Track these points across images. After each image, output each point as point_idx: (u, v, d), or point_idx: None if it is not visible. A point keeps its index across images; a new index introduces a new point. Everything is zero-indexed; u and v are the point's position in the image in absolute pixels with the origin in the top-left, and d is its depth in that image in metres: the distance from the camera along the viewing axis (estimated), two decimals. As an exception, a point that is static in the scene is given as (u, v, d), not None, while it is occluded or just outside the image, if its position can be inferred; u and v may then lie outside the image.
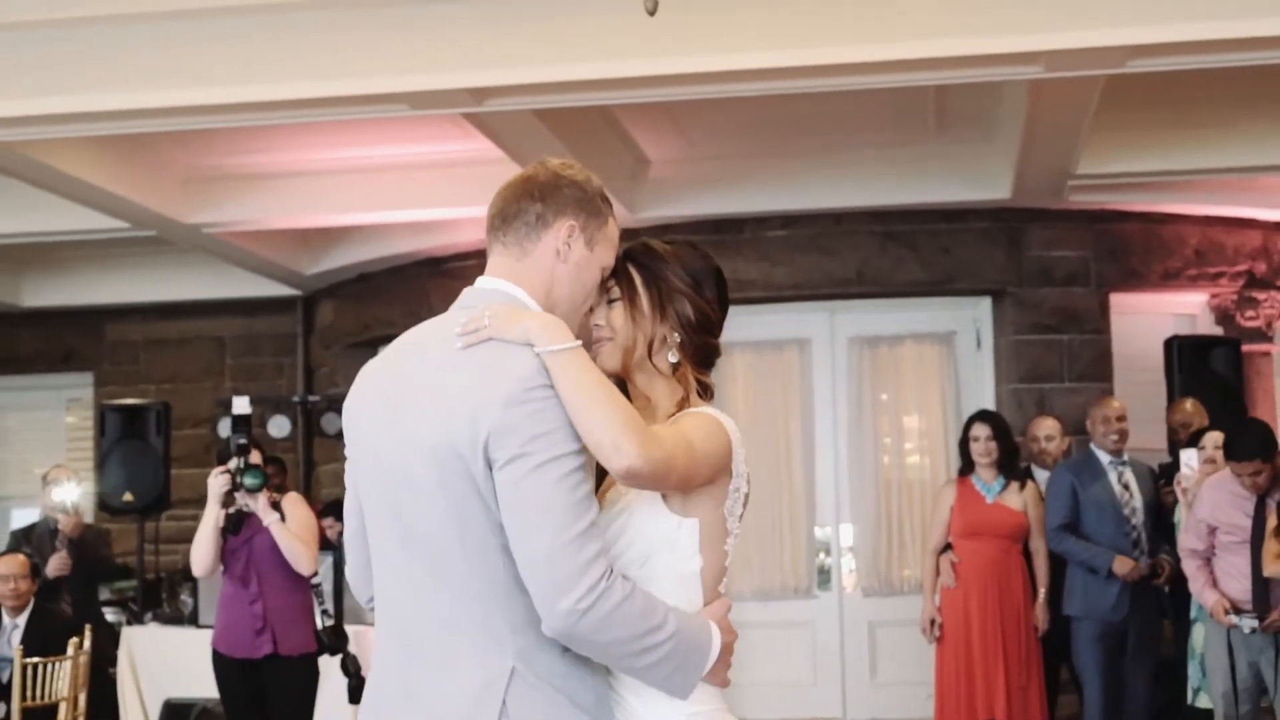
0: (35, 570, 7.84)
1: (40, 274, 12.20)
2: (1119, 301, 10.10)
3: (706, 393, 2.91)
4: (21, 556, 7.85)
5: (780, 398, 10.46)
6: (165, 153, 9.03)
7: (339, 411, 10.72)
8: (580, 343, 2.67)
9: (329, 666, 7.42)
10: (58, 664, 7.12)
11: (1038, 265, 9.93)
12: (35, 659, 7.20)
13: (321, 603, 6.31)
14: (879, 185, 9.53)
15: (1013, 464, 8.00)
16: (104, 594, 10.47)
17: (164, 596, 10.53)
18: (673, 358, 2.86)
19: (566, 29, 6.57)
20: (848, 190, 9.57)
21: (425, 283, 10.97)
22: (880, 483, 10.34)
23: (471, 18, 6.56)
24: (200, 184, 9.58)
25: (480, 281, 2.84)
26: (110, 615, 10.08)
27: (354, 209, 9.83)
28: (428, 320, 2.84)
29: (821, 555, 10.39)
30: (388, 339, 11.80)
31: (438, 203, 9.58)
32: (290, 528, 6.58)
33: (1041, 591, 7.90)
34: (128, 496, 10.07)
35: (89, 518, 10.92)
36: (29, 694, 7.09)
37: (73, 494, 8.67)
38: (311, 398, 11.55)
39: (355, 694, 5.96)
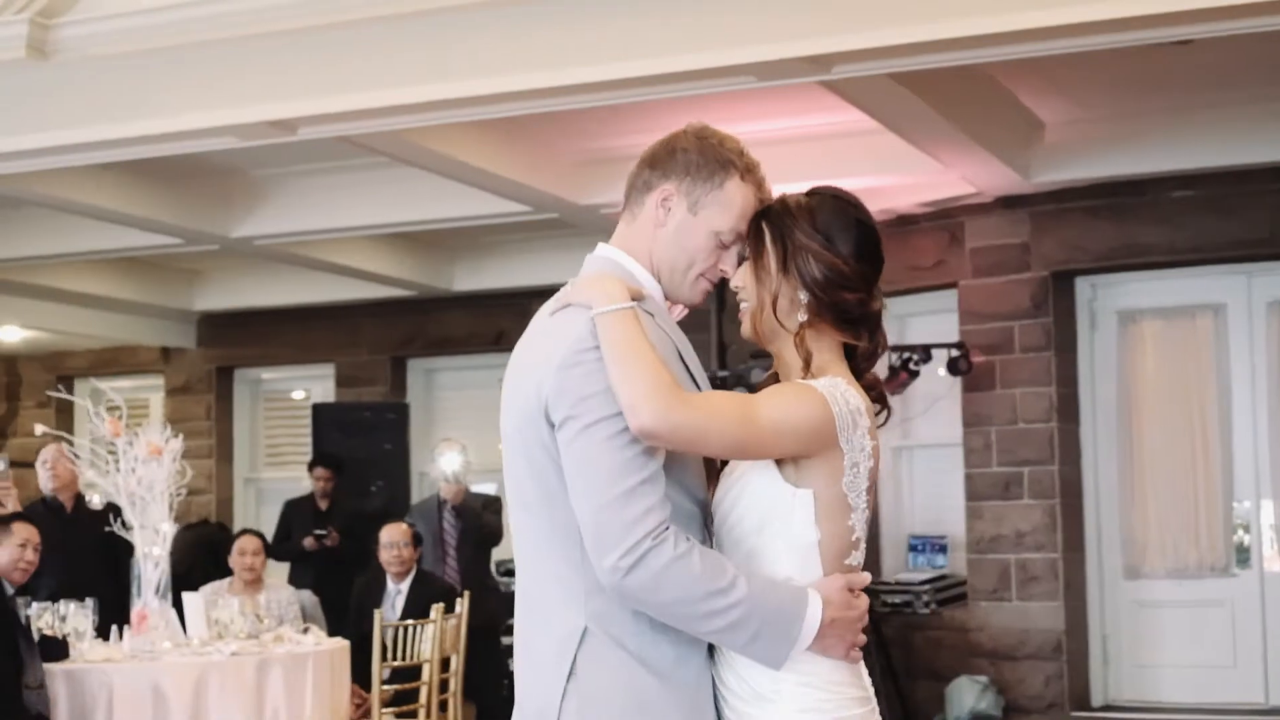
0: (418, 538, 8.24)
1: (469, 259, 12.80)
2: None
3: (856, 354, 2.82)
4: (404, 525, 8.27)
5: (1193, 366, 9.98)
6: (554, 137, 9.32)
7: (750, 388, 10.84)
8: (632, 305, 2.67)
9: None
10: (422, 627, 7.46)
11: None
12: (405, 621, 7.56)
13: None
14: (1286, 140, 8.95)
15: None
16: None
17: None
18: (802, 317, 2.77)
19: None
20: (1253, 146, 8.99)
21: (824, 256, 10.94)
22: (1305, 455, 9.74)
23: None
24: (592, 166, 9.83)
25: (598, 249, 2.91)
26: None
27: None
28: None
29: (1240, 532, 9.85)
30: (794, 314, 11.88)
31: (825, 174, 9.53)
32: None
33: None
34: (540, 470, 10.41)
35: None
36: (398, 654, 7.43)
37: (454, 463, 9.05)
38: (722, 373, 11.70)
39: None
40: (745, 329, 2.85)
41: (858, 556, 2.76)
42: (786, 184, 9.07)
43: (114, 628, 6.73)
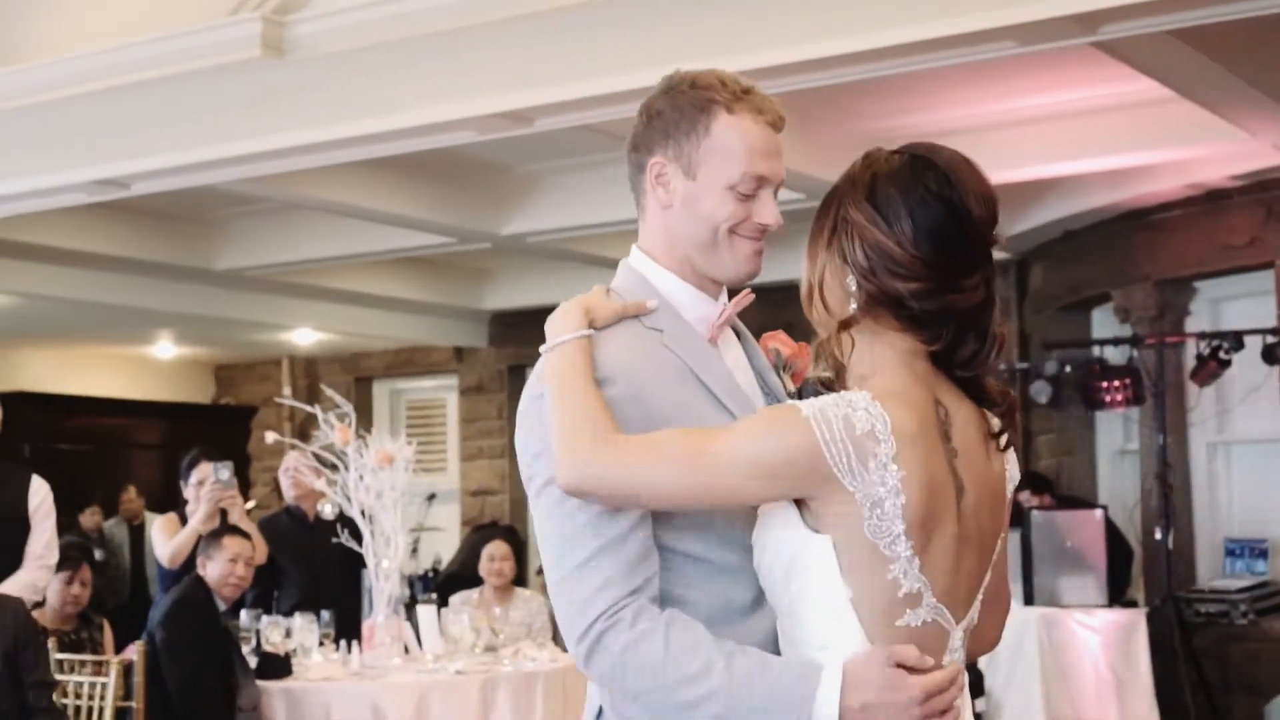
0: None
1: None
2: None
3: (954, 361, 2.22)
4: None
5: None
6: (823, 120, 8.78)
7: (1050, 380, 10.14)
8: (583, 334, 2.22)
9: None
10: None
11: None
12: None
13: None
14: None
15: None
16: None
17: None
18: (853, 306, 2.20)
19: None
20: None
21: (1129, 238, 10.16)
22: None
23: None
24: (865, 149, 9.23)
25: (631, 252, 2.50)
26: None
27: (1041, 160, 9.12)
28: None
29: None
30: (1097, 301, 11.08)
31: (1131, 148, 8.78)
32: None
33: None
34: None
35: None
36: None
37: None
38: (1020, 365, 11.00)
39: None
40: (806, 312, 2.32)
41: (918, 615, 2.13)
42: (1070, 163, 8.31)
43: (343, 643, 6.51)
